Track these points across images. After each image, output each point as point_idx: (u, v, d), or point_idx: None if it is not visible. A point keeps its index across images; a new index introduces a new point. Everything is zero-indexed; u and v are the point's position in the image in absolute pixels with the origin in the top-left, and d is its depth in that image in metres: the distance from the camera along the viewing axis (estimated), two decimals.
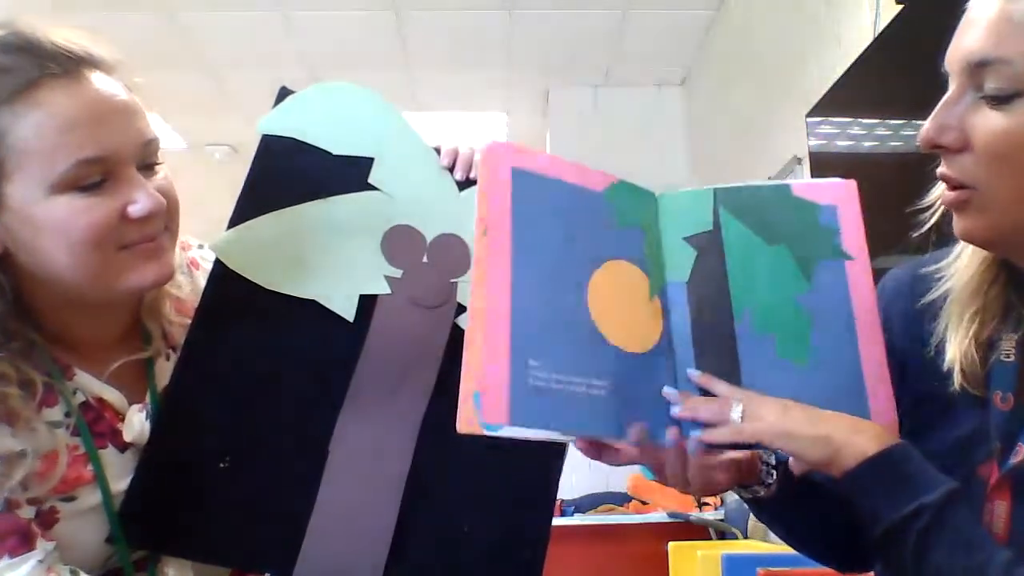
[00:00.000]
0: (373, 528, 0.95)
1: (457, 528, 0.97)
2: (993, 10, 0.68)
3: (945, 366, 0.77)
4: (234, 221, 0.96)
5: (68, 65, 0.82)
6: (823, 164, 2.35)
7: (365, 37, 3.73)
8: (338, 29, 3.66)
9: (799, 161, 2.67)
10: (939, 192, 0.78)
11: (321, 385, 0.96)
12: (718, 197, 0.87)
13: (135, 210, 0.83)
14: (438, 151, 1.02)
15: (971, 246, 0.78)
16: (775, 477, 0.86)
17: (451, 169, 1.01)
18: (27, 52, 0.81)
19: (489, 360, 0.74)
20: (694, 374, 0.80)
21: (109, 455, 0.89)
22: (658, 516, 3.14)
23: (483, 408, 0.73)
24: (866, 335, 0.82)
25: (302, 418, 0.95)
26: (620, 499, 3.45)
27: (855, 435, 0.72)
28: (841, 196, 0.87)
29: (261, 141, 0.99)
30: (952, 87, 0.71)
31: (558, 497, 1.03)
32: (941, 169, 0.73)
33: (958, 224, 0.74)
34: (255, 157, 0.99)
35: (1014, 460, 0.71)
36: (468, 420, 0.72)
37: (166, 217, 0.87)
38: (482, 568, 0.98)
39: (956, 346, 0.77)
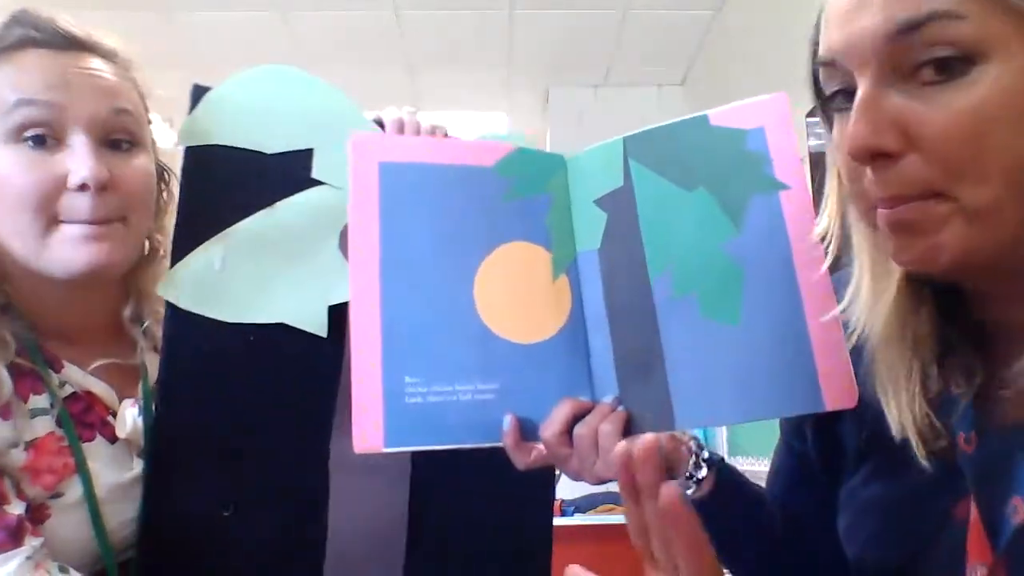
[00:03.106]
0: (387, 536, 0.95)
1: (461, 525, 0.97)
2: None
3: (896, 435, 0.62)
4: (175, 257, 0.86)
5: (61, 42, 0.83)
6: (823, 164, 2.35)
7: (365, 37, 3.73)
8: (338, 29, 3.66)
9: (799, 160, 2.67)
10: (825, 224, 0.66)
11: (310, 406, 0.90)
12: (628, 147, 0.76)
13: (72, 179, 0.81)
14: (380, 124, 0.93)
15: (866, 284, 0.63)
16: (707, 473, 0.75)
17: None
18: (22, 24, 0.84)
19: (360, 381, 0.69)
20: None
21: (98, 446, 0.87)
22: None
23: (357, 433, 0.69)
24: (808, 278, 0.69)
25: (299, 446, 0.90)
26: (620, 499, 3.45)
27: None
28: (769, 115, 0.73)
29: (184, 155, 0.87)
30: (863, 83, 0.54)
31: (558, 497, 1.03)
32: (882, 188, 0.55)
33: (917, 249, 0.54)
34: (181, 176, 0.88)
35: (1015, 520, 0.56)
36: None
37: (124, 206, 0.84)
38: (490, 563, 0.98)
39: (905, 412, 0.61)
